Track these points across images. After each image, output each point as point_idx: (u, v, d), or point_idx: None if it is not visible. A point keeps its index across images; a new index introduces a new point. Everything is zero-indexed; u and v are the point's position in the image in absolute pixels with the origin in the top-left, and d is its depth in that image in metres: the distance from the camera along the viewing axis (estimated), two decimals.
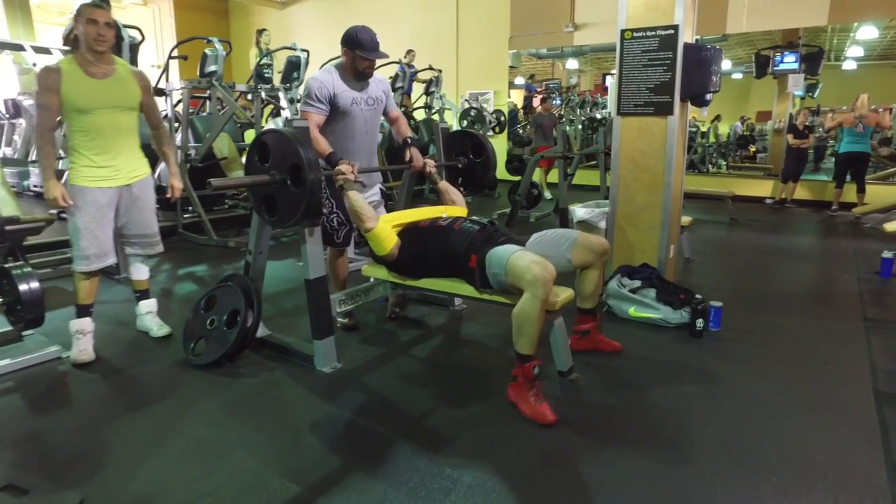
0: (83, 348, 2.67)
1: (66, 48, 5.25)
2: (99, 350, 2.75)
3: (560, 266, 2.39)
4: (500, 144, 9.70)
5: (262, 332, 2.85)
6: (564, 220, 4.80)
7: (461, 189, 3.33)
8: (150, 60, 11.96)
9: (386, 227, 2.53)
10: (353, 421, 2.15)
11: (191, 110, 7.85)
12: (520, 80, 10.74)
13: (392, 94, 3.09)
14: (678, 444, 2.00)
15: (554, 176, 7.79)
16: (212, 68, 5.95)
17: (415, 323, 3.18)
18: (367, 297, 2.85)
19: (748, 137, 10.36)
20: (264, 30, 8.32)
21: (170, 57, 6.08)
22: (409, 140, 2.99)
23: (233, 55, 12.37)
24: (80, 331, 2.69)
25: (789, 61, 8.27)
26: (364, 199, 2.56)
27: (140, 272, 2.98)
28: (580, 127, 10.34)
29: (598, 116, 10.54)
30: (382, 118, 3.05)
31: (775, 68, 8.43)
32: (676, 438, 2.03)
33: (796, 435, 2.05)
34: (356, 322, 3.08)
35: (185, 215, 5.68)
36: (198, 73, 5.98)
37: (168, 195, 2.84)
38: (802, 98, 8.82)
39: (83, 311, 2.72)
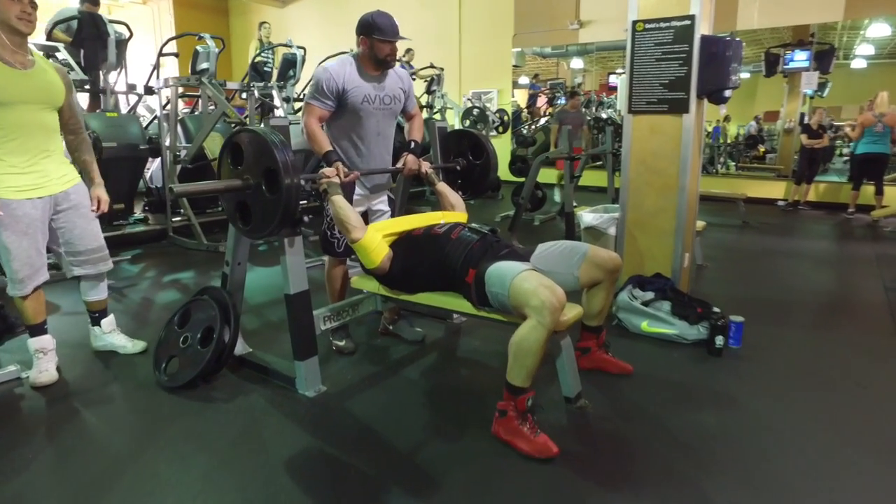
0: (44, 368, 2.43)
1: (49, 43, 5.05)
2: (64, 369, 2.53)
3: (568, 285, 2.15)
4: (503, 145, 9.46)
5: (242, 348, 2.62)
6: (570, 224, 4.56)
7: (459, 192, 3.10)
8: (150, 59, 11.79)
9: (375, 238, 2.29)
10: (333, 457, 1.91)
11: (186, 109, 7.67)
12: (524, 80, 10.51)
13: (414, 91, 2.84)
14: (698, 484, 1.75)
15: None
16: (203, 66, 5.76)
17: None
18: (356, 313, 2.62)
19: (757, 138, 10.10)
20: (264, 22, 8.11)
21: (160, 54, 5.87)
22: (412, 143, 2.74)
23: (234, 53, 12.21)
24: (41, 350, 2.45)
25: (800, 59, 8.05)
26: (351, 206, 2.33)
27: (98, 292, 2.67)
28: (586, 127, 10.08)
29: (604, 116, 10.30)
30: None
31: (785, 66, 8.21)
32: (696, 477, 1.79)
33: (837, 476, 1.80)
34: (355, 346, 2.76)
35: (175, 218, 5.46)
36: (189, 71, 5.79)
37: (94, 207, 2.48)
38: (812, 97, 8.58)
39: (37, 329, 2.46)
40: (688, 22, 2.88)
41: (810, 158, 7.17)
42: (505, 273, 1.99)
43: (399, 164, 2.68)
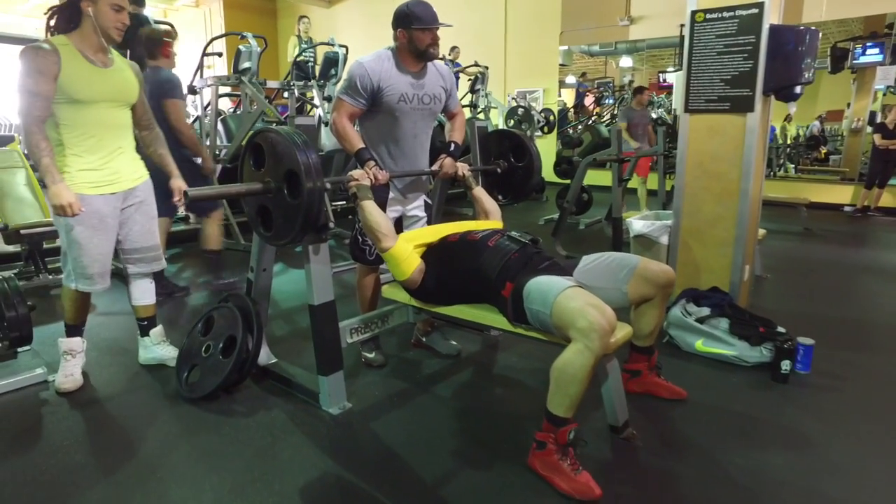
0: (70, 373, 2.38)
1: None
2: (91, 372, 2.49)
3: (615, 301, 1.95)
4: (548, 145, 9.20)
5: (266, 358, 2.51)
6: (618, 230, 4.30)
7: (500, 197, 2.91)
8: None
9: (406, 248, 2.13)
10: (352, 485, 1.76)
11: (231, 108, 7.73)
12: (570, 79, 10.20)
13: (456, 88, 2.67)
14: None
15: (606, 179, 7.22)
16: (245, 65, 5.73)
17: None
18: (386, 325, 2.46)
19: (819, 138, 9.49)
20: (304, 17, 8.07)
21: (204, 54, 5.89)
22: (451, 144, 2.56)
23: (281, 54, 12.33)
24: (70, 351, 2.41)
25: (872, 53, 7.49)
26: (382, 212, 2.18)
27: (146, 294, 2.57)
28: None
29: (654, 115, 9.89)
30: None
31: (854, 61, 7.65)
32: None
33: None
34: (385, 359, 2.61)
35: None
36: (231, 70, 5.79)
37: (176, 199, 2.43)
38: (885, 93, 7.99)
39: (73, 330, 2.43)
40: (755, 10, 2.61)
41: (885, 160, 6.64)
42: (547, 289, 1.80)
43: (435, 167, 2.51)
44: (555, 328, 1.76)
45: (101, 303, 3.47)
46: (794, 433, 2.05)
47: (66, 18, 2.15)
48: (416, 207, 2.63)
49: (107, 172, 2.27)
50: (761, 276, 4.02)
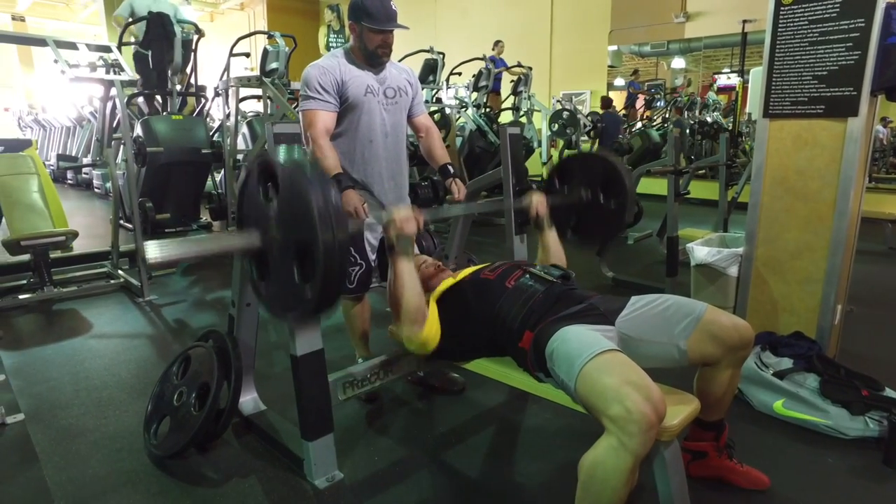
0: None
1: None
2: (42, 407, 2.16)
3: (670, 360, 1.50)
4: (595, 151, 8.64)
5: (254, 406, 2.14)
6: (674, 251, 3.75)
7: (568, 236, 2.22)
8: (244, 63, 11.99)
9: (434, 323, 1.65)
10: None
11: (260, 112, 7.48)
12: (619, 82, 9.60)
13: (421, 89, 2.29)
14: None
15: (657, 187, 6.60)
16: (273, 66, 5.48)
17: (458, 400, 2.33)
18: (390, 375, 2.03)
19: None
20: (335, 5, 7.59)
21: (231, 54, 5.64)
22: (450, 170, 2.20)
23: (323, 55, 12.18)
24: None
25: None
26: (419, 283, 1.62)
27: None
28: (688, 132, 9.01)
29: (709, 120, 9.18)
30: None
31: None
32: None
33: None
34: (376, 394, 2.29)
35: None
36: (258, 71, 5.54)
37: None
38: None
39: None
40: None
41: None
42: (574, 352, 1.35)
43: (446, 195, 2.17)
44: (583, 407, 1.31)
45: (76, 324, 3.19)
46: None
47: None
48: None
49: None
50: (847, 310, 3.41)
